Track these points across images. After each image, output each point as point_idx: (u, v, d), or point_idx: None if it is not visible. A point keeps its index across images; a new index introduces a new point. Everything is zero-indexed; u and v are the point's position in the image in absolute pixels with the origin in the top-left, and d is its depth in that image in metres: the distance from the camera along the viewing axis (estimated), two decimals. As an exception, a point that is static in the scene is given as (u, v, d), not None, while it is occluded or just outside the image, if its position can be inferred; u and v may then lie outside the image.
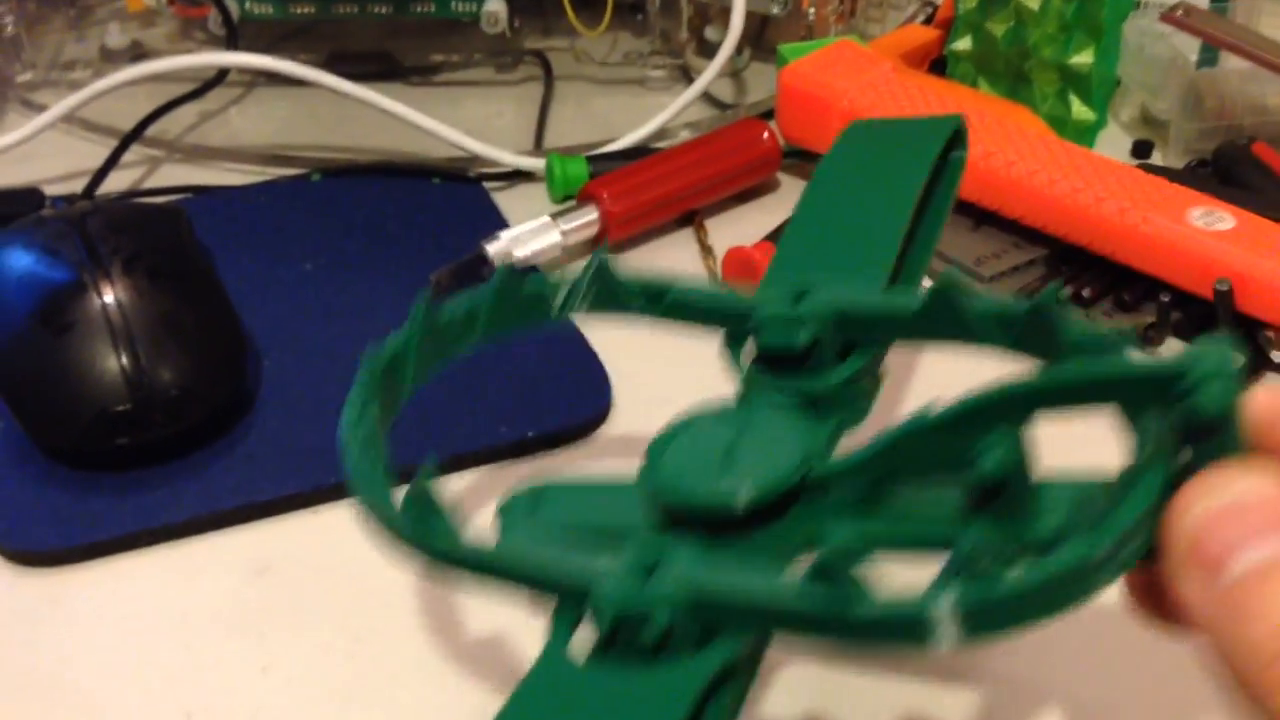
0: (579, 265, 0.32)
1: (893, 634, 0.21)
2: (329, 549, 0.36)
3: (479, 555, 0.25)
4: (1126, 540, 0.20)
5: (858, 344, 0.30)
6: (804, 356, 0.29)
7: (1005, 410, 0.23)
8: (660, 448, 0.27)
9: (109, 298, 0.37)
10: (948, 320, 0.27)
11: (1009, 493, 0.23)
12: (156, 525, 0.35)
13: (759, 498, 0.25)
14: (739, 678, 0.23)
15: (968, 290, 0.27)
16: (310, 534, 0.36)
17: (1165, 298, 0.43)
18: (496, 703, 0.23)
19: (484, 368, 0.41)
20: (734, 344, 0.31)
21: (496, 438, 0.39)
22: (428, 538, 0.25)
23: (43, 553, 0.34)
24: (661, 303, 0.31)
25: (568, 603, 0.24)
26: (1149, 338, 0.43)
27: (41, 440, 0.37)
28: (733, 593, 0.23)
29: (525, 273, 0.35)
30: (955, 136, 0.36)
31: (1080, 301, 0.44)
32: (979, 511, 0.23)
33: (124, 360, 0.36)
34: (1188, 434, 0.20)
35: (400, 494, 0.26)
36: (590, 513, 0.29)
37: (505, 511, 0.29)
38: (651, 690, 0.22)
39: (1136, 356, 0.22)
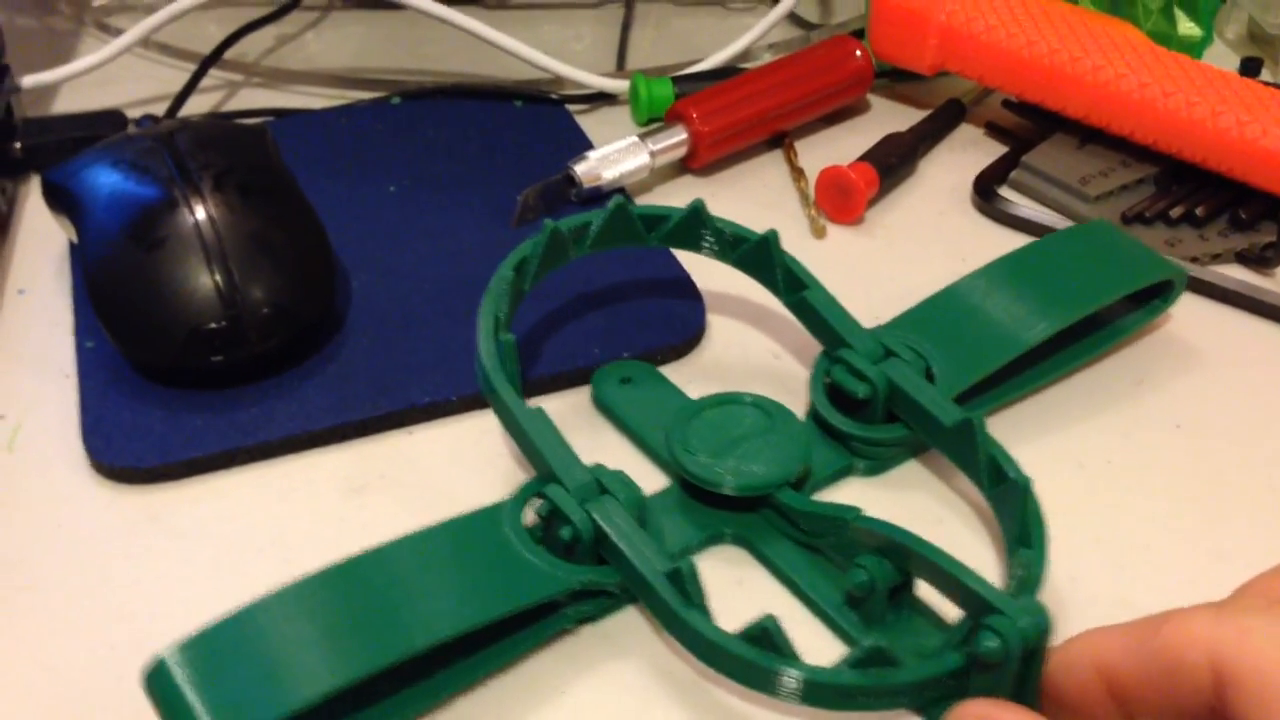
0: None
1: (754, 677, 0.27)
2: (424, 468, 0.35)
3: None
4: (919, 688, 0.26)
5: (901, 419, 0.34)
6: (860, 404, 0.34)
7: (891, 549, 0.29)
8: (700, 408, 0.34)
9: (200, 214, 0.36)
10: (969, 450, 0.32)
11: (872, 602, 0.29)
12: (253, 443, 0.35)
13: (739, 489, 0.32)
14: (600, 601, 0.30)
15: (989, 441, 0.32)
16: (405, 453, 0.36)
17: (1287, 214, 0.41)
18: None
19: (580, 290, 0.40)
20: (824, 357, 0.36)
21: (591, 359, 0.38)
22: None
23: (141, 470, 0.34)
24: (794, 294, 0.36)
25: (531, 486, 0.31)
26: (1266, 258, 0.41)
27: (136, 358, 0.36)
28: (620, 544, 0.29)
29: (630, 199, 0.38)
30: (1166, 287, 0.38)
31: (1193, 220, 0.43)
32: (855, 607, 0.30)
33: (217, 277, 0.36)
34: (973, 658, 0.26)
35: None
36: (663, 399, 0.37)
37: (600, 375, 0.37)
38: (531, 574, 0.29)
39: (982, 581, 0.27)
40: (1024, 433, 0.36)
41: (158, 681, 0.26)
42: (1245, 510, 0.34)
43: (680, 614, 0.28)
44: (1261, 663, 0.21)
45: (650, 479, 0.34)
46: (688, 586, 0.28)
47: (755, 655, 0.27)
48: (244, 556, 0.33)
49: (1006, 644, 0.25)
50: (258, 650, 0.26)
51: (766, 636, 0.27)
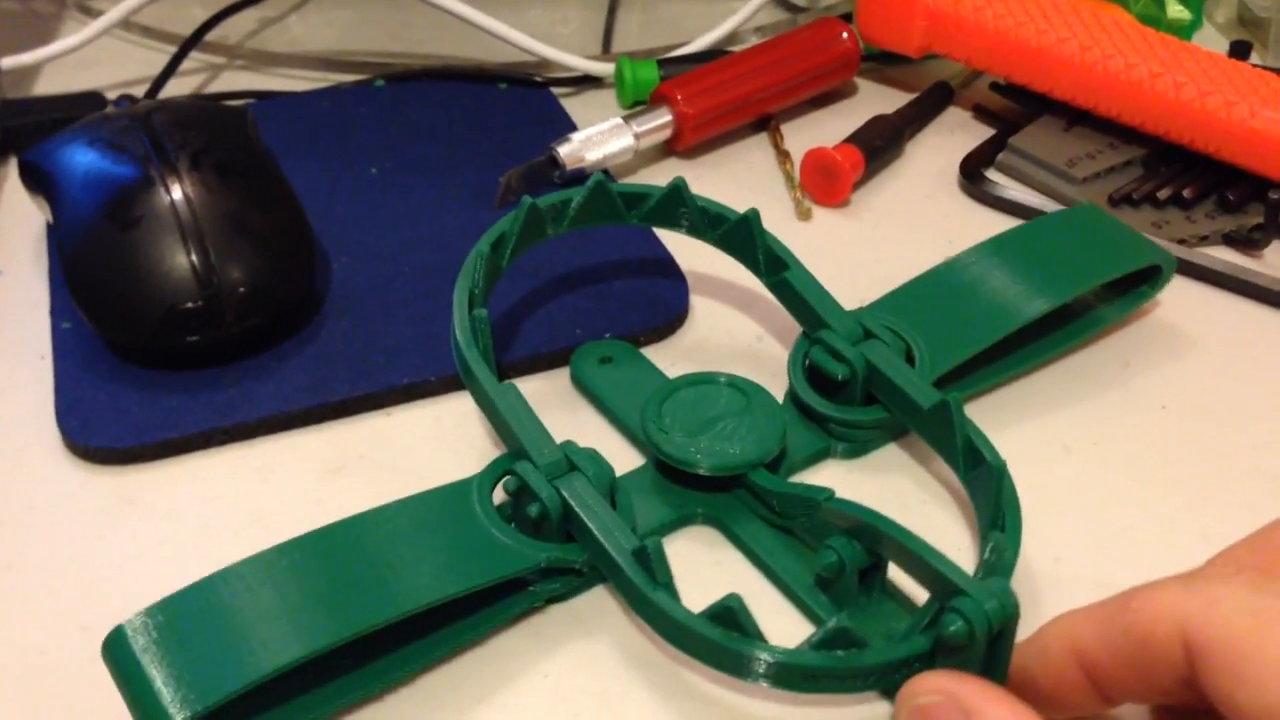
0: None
1: (717, 656, 0.27)
2: (401, 450, 0.35)
3: None
4: (883, 671, 0.26)
5: (879, 401, 0.34)
6: (839, 386, 0.34)
7: (862, 531, 0.29)
8: (676, 388, 0.33)
9: (177, 194, 0.36)
10: (946, 432, 0.32)
11: (842, 584, 0.29)
12: (230, 424, 0.34)
13: (714, 468, 0.32)
14: (568, 579, 0.30)
15: (966, 424, 0.31)
16: (383, 435, 0.35)
17: (1275, 195, 0.41)
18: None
19: (563, 270, 0.40)
20: (804, 338, 0.35)
21: (573, 339, 0.37)
22: None
23: (116, 450, 0.34)
24: (775, 274, 0.36)
25: (501, 462, 0.31)
26: (1254, 239, 0.41)
27: (111, 338, 0.36)
28: (587, 522, 0.29)
29: (611, 178, 0.38)
30: (1154, 273, 0.38)
31: (1181, 202, 0.42)
32: (825, 589, 0.30)
33: (193, 257, 0.35)
34: (938, 641, 0.26)
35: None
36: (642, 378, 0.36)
37: (580, 354, 0.37)
38: (498, 550, 0.29)
39: (949, 563, 0.26)
40: (1010, 415, 0.36)
41: (114, 650, 0.26)
42: (1231, 492, 0.34)
43: (645, 592, 0.27)
44: (1230, 632, 0.21)
45: (627, 459, 0.34)
46: (653, 565, 0.28)
47: (718, 635, 0.26)
48: (221, 538, 0.32)
49: (971, 626, 0.25)
50: (219, 620, 0.26)
51: (730, 616, 0.26)
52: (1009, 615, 0.25)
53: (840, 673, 0.26)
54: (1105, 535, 0.32)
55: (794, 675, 0.26)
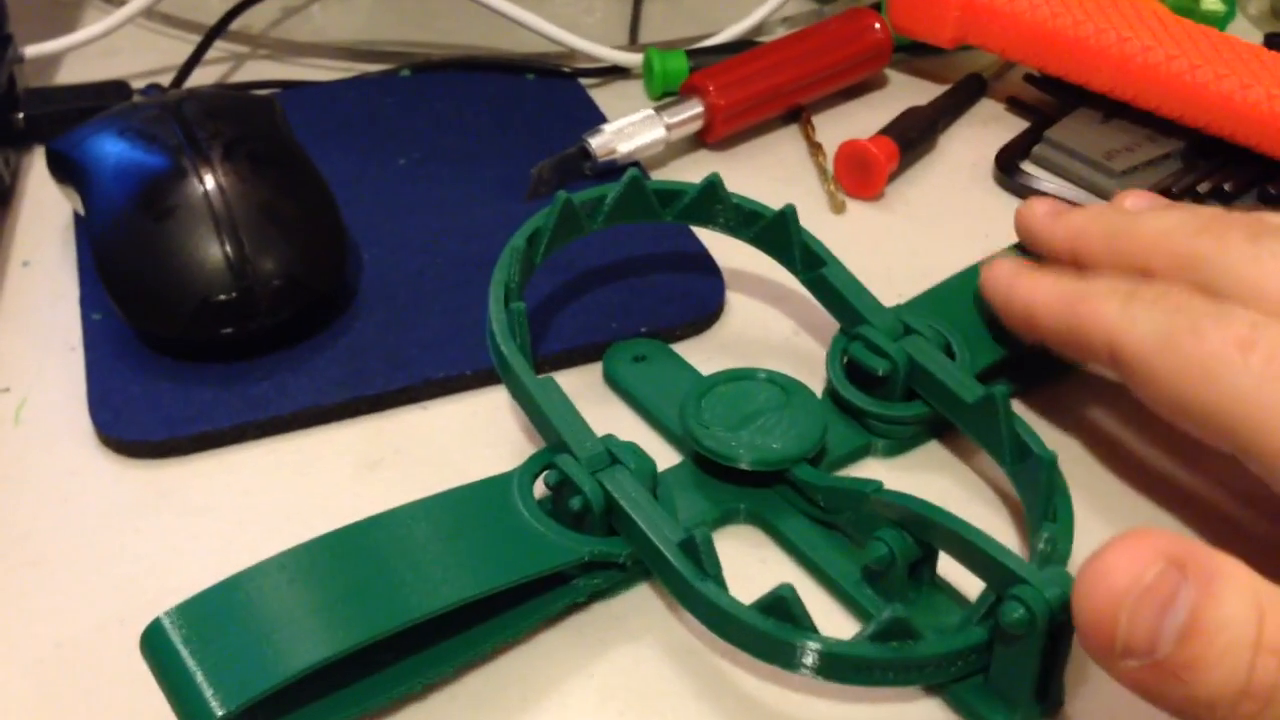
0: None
1: (769, 649, 0.26)
2: (438, 444, 0.34)
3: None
4: (939, 663, 0.26)
5: (921, 397, 0.34)
6: (879, 381, 0.33)
7: (912, 522, 0.28)
8: (715, 383, 0.33)
9: (210, 184, 0.36)
10: (991, 426, 0.31)
11: (891, 577, 0.29)
12: (264, 418, 0.34)
13: (756, 463, 0.31)
14: (611, 573, 0.30)
15: (1013, 417, 0.31)
16: (419, 428, 0.35)
17: (1319, 189, 0.40)
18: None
19: (598, 265, 0.39)
20: (842, 334, 0.35)
21: (609, 333, 0.37)
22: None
23: (150, 444, 0.33)
24: (812, 270, 0.36)
25: (540, 456, 0.30)
26: (1296, 234, 0.41)
27: (144, 330, 0.36)
28: (632, 514, 0.28)
29: (645, 174, 0.38)
30: None
31: (1222, 196, 0.42)
32: (873, 582, 0.29)
33: (227, 248, 0.35)
34: (996, 633, 0.26)
35: None
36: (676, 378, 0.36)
37: (612, 352, 0.37)
38: (540, 544, 0.28)
39: (1007, 551, 0.26)
40: (1049, 411, 0.35)
41: (154, 642, 0.26)
42: None
43: (693, 584, 0.27)
44: (1141, 347, 0.29)
45: (663, 457, 0.34)
46: (702, 556, 0.27)
47: (770, 626, 0.26)
48: (256, 532, 0.32)
49: (1033, 614, 0.25)
50: (258, 613, 0.26)
51: (782, 606, 0.26)
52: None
53: (895, 664, 0.25)
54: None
55: (848, 667, 0.26)
